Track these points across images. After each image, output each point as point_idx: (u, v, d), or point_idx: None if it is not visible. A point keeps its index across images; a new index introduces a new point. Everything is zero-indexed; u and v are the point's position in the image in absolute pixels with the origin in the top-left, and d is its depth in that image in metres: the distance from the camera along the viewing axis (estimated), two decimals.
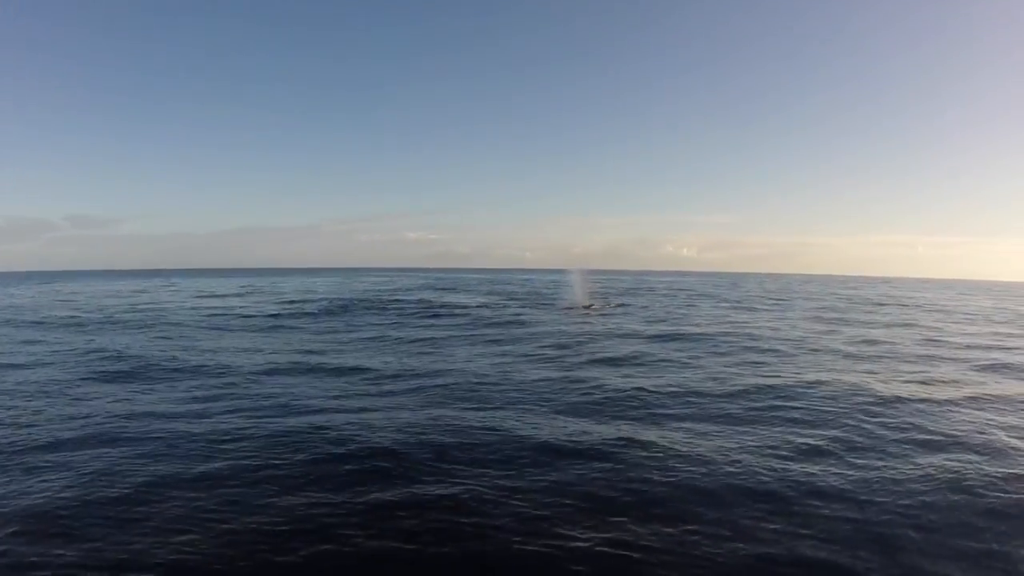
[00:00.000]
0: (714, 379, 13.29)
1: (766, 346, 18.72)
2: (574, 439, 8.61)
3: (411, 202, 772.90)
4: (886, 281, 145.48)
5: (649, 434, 8.91)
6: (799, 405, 10.90)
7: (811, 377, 13.49)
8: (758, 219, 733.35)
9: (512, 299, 40.53)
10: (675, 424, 9.59)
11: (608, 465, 7.57)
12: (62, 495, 6.59)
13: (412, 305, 34.19)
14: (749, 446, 8.42)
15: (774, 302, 42.41)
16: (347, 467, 7.46)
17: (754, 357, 16.61)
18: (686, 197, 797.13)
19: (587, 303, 34.03)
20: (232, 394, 11.51)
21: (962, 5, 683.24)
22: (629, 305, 35.82)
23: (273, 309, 31.05)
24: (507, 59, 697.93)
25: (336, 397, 11.34)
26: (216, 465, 7.48)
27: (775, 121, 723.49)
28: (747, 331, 22.70)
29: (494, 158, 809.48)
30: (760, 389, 12.16)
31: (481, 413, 10.12)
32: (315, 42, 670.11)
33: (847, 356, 17.11)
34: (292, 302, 36.43)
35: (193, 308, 32.69)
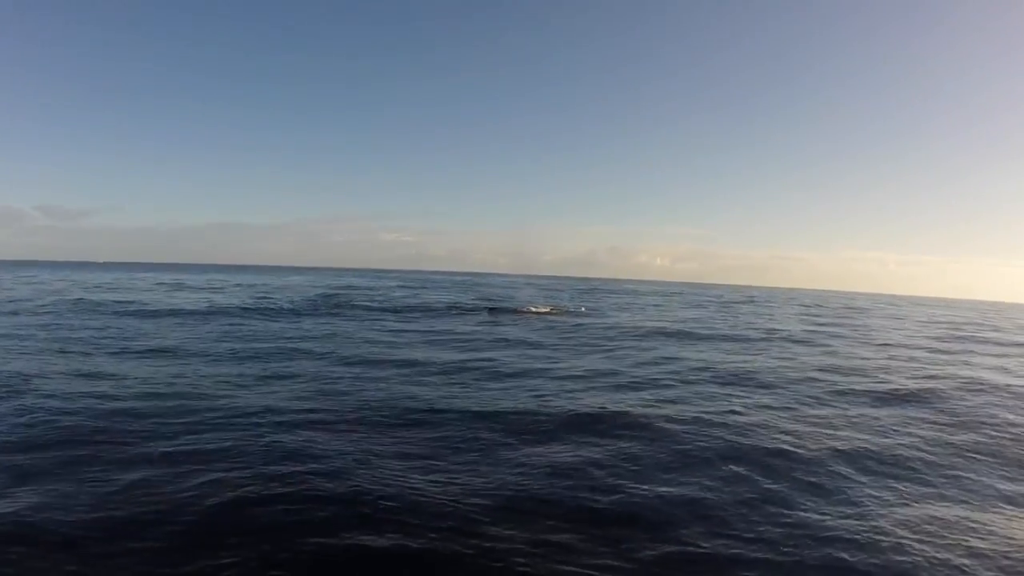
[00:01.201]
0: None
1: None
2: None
3: (386, 203, 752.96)
4: (871, 297, 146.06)
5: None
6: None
7: None
8: (731, 232, 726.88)
9: (484, 300, 40.59)
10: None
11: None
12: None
13: (383, 303, 34.05)
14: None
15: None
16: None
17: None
18: (661, 208, 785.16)
19: (544, 308, 34.21)
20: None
21: (941, 17, 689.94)
22: (592, 311, 35.83)
23: (243, 304, 30.59)
24: (492, 61, 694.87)
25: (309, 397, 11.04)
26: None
27: (752, 132, 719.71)
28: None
29: (471, 163, 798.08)
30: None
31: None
32: (296, 38, 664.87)
33: None
34: (264, 297, 36.24)
35: (172, 304, 32.38)
